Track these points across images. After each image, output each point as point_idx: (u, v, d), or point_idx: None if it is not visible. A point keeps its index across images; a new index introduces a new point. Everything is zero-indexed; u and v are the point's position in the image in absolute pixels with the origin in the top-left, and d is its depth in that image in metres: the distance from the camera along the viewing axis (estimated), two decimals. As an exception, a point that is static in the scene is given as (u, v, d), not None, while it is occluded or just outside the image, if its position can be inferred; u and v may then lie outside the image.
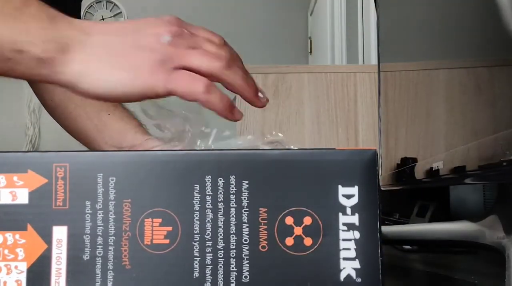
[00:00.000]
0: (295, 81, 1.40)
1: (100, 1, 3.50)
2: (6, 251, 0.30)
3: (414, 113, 0.67)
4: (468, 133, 0.45)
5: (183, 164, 0.30)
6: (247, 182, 0.29)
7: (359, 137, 1.37)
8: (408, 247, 0.70)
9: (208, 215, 0.29)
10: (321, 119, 1.38)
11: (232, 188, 0.29)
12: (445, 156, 0.49)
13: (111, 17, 3.52)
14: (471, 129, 0.45)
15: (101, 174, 0.30)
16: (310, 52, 3.12)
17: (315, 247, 0.29)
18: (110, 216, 0.30)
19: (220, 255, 0.29)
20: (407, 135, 0.71)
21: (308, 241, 0.29)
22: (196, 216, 0.29)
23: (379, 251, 0.29)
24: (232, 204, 0.29)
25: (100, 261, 0.29)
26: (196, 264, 0.29)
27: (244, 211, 0.29)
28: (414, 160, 0.63)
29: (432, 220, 0.82)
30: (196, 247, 0.29)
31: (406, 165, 0.65)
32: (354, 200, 0.29)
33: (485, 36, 0.42)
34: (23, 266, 0.29)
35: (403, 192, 0.94)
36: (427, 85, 0.62)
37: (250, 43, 3.26)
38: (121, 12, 3.49)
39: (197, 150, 0.30)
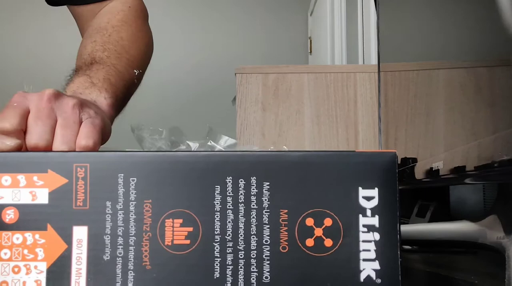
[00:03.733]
0: (295, 81, 1.39)
1: (100, 1, 3.49)
2: (25, 251, 0.29)
3: (414, 113, 0.67)
4: (468, 134, 0.45)
5: (204, 165, 0.30)
6: (267, 183, 0.29)
7: (359, 137, 1.37)
8: (408, 247, 0.70)
9: (229, 216, 0.29)
10: (321, 119, 1.38)
11: (253, 189, 0.29)
12: (445, 156, 0.49)
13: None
14: (471, 129, 0.45)
15: (122, 175, 0.30)
16: (310, 52, 3.12)
17: (336, 248, 0.29)
18: (130, 216, 0.30)
19: (241, 255, 0.29)
20: (407, 135, 0.71)
21: (328, 242, 0.29)
22: (217, 216, 0.29)
23: (399, 252, 0.29)
24: (253, 205, 0.29)
25: (121, 261, 0.29)
26: (216, 264, 0.29)
27: (265, 212, 0.29)
28: (414, 160, 0.63)
29: (432, 220, 0.82)
30: (217, 248, 0.29)
31: (406, 165, 0.65)
32: (374, 202, 0.29)
33: (485, 36, 0.42)
34: (43, 266, 0.29)
35: (403, 192, 0.94)
36: (427, 85, 0.62)
37: (250, 43, 3.26)
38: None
39: (218, 151, 0.31)
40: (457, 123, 0.50)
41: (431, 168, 0.52)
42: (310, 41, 3.14)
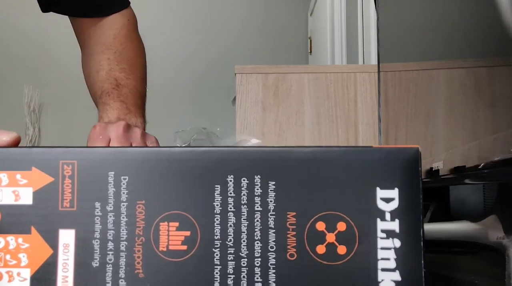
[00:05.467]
0: (295, 81, 1.40)
1: (100, 1, 3.49)
2: (7, 256, 0.27)
3: (414, 113, 0.67)
4: (468, 134, 0.45)
5: (202, 162, 0.27)
6: (273, 182, 0.27)
7: (359, 137, 1.37)
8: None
9: (230, 219, 0.27)
10: (321, 119, 1.38)
11: (257, 189, 0.27)
12: (445, 156, 0.49)
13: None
14: (471, 129, 0.45)
15: (113, 173, 0.27)
16: (310, 52, 3.11)
17: (350, 256, 0.26)
18: (122, 219, 0.27)
19: (244, 263, 0.26)
20: (407, 135, 0.71)
21: (341, 249, 0.26)
22: (217, 220, 0.27)
23: (422, 261, 0.26)
24: (257, 207, 0.27)
25: (111, 268, 0.27)
26: (216, 273, 0.26)
27: (270, 215, 0.27)
28: (414, 160, 0.63)
29: (432, 220, 0.82)
30: (217, 254, 0.26)
31: (406, 165, 0.64)
32: (394, 204, 0.26)
33: (485, 36, 0.42)
34: (26, 273, 0.27)
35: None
36: (427, 85, 0.62)
37: (250, 43, 3.26)
38: (121, 12, 3.48)
39: (218, 147, 0.27)
40: (457, 123, 0.50)
41: (431, 168, 0.51)
42: (310, 41, 3.14)
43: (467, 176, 0.43)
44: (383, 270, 0.26)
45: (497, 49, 0.39)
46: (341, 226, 0.26)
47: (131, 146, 0.51)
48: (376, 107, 1.31)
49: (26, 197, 0.27)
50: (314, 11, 2.93)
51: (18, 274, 0.27)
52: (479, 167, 0.39)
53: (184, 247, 0.27)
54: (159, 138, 0.65)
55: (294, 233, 0.26)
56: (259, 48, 3.23)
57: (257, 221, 0.27)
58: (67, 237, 0.27)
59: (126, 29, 0.73)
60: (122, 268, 0.27)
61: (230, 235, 0.27)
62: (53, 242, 0.27)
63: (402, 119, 0.73)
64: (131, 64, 0.71)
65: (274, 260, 0.26)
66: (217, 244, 0.27)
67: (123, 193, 0.27)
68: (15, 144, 0.32)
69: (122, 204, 0.27)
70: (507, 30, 0.35)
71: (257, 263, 0.26)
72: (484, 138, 0.39)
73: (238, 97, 1.39)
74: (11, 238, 0.27)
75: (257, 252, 0.26)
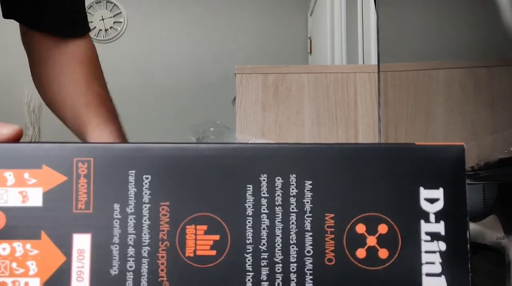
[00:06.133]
0: (295, 81, 1.40)
1: (100, 1, 3.50)
2: (14, 264, 0.24)
3: (414, 113, 0.68)
4: (468, 134, 0.45)
5: (233, 160, 0.25)
6: (310, 182, 0.25)
7: (359, 137, 1.37)
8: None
9: (264, 221, 0.25)
10: (321, 120, 1.38)
11: (293, 189, 0.25)
12: (445, 156, 0.49)
13: (110, 17, 3.52)
14: (471, 129, 0.45)
15: (133, 171, 0.25)
16: (310, 52, 3.12)
17: (392, 260, 0.24)
18: (144, 222, 0.25)
19: (278, 269, 0.24)
20: (407, 135, 0.71)
21: (383, 253, 0.24)
22: (249, 222, 0.25)
23: (469, 266, 0.24)
24: (293, 209, 0.25)
25: (132, 276, 0.24)
26: (248, 280, 0.24)
27: (307, 216, 0.25)
28: (414, 160, 0.63)
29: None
30: (249, 260, 0.24)
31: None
32: (439, 205, 0.25)
33: (485, 36, 0.42)
34: (36, 283, 0.24)
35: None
36: (427, 85, 0.62)
37: (250, 43, 3.27)
38: (121, 12, 3.49)
39: (250, 143, 0.25)
40: (457, 123, 0.50)
41: (431, 168, 0.52)
42: (310, 41, 3.14)
43: (467, 176, 0.43)
44: (428, 275, 0.24)
45: (497, 49, 0.39)
46: (383, 229, 0.25)
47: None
48: (376, 107, 1.31)
49: (35, 198, 0.25)
50: (314, 11, 2.93)
51: (26, 284, 0.24)
52: (474, 166, 0.39)
53: (213, 252, 0.25)
54: (159, 138, 0.66)
55: (333, 236, 0.25)
56: (259, 48, 3.23)
57: (293, 223, 0.25)
58: (82, 242, 0.25)
59: (92, 51, 0.77)
60: (144, 276, 0.24)
61: (264, 239, 0.25)
62: (66, 248, 0.25)
63: (402, 119, 0.74)
64: (105, 82, 0.75)
65: (311, 265, 0.24)
66: (249, 249, 0.25)
67: (145, 193, 0.25)
68: (17, 137, 0.29)
69: (144, 205, 0.25)
70: (507, 30, 0.35)
71: (293, 268, 0.24)
72: (484, 138, 0.39)
73: (238, 97, 1.40)
74: (17, 244, 0.25)
75: (293, 256, 0.25)
